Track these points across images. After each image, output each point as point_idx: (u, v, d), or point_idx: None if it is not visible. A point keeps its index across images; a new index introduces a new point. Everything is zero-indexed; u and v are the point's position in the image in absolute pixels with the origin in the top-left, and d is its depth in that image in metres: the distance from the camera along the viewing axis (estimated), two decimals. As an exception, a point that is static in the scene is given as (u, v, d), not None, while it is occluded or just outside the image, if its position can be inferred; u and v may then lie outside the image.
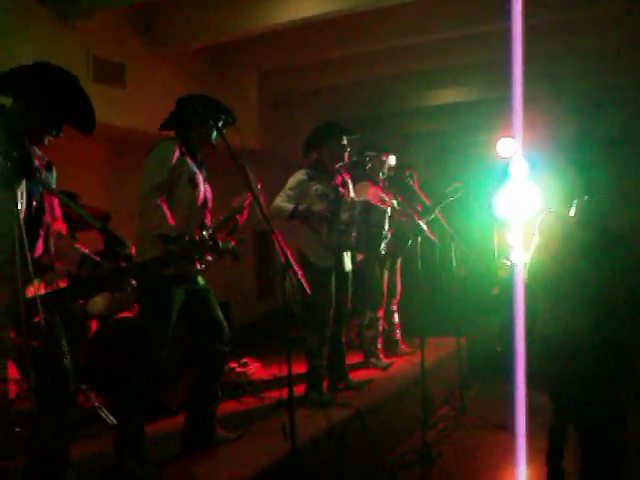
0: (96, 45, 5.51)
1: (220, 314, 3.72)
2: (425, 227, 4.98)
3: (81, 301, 4.15)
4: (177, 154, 3.46)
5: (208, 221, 3.69)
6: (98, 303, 4.34)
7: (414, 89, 8.23)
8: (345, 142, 4.68)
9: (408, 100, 8.60)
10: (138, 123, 5.78)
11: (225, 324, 3.72)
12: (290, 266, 3.01)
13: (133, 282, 2.62)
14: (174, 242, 2.91)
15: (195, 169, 3.56)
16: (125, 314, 4.68)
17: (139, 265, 2.69)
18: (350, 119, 7.29)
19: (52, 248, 2.64)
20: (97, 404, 4.05)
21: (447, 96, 8.42)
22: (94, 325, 4.61)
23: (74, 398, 2.65)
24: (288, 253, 3.03)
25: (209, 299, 3.68)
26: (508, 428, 4.65)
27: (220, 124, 3.57)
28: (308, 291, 3.05)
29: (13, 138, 2.45)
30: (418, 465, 4.43)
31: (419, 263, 4.77)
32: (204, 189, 3.62)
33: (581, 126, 8.04)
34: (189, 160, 3.54)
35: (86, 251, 2.73)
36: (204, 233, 2.78)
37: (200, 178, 3.59)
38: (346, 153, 4.70)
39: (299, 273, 3.02)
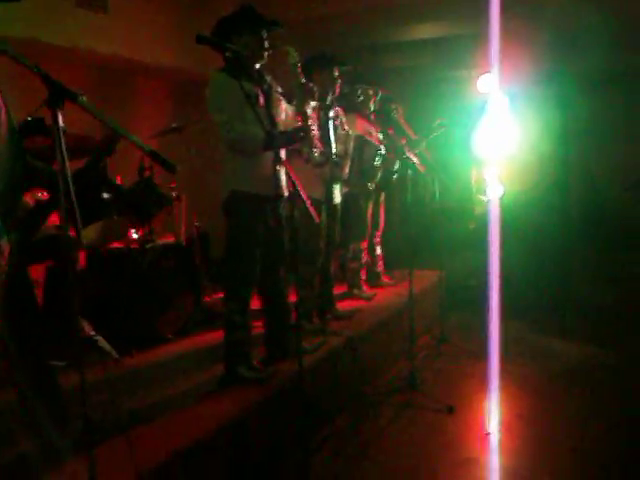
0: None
1: None
2: (416, 160, 5.01)
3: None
4: (227, 82, 3.37)
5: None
6: (89, 233, 4.30)
7: (391, 23, 8.08)
8: (337, 74, 4.64)
9: (385, 34, 8.42)
10: (121, 49, 5.65)
11: None
12: (298, 195, 3.04)
13: None
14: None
15: (251, 87, 3.48)
16: (116, 244, 4.67)
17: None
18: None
19: None
20: (92, 333, 4.07)
21: (425, 31, 8.30)
22: (83, 256, 4.58)
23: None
24: (297, 183, 3.04)
25: None
26: (484, 355, 4.87)
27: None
28: (316, 219, 3.09)
29: None
30: (404, 390, 4.61)
31: (408, 196, 4.81)
32: (265, 99, 3.61)
33: (559, 62, 8.06)
34: (243, 81, 3.44)
35: None
36: None
37: (259, 92, 3.56)
38: (337, 85, 4.66)
39: (307, 202, 3.05)
